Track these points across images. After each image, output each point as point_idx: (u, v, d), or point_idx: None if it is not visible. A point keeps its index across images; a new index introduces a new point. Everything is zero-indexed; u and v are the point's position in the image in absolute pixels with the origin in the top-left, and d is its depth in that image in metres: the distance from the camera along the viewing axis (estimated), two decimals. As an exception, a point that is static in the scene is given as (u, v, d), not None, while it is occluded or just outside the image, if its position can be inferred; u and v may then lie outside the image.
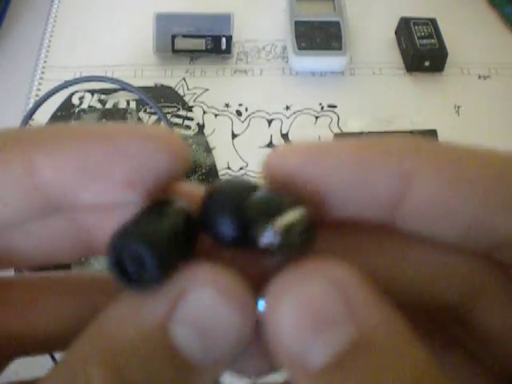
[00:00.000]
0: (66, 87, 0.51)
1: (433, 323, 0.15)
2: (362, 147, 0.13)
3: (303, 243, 0.13)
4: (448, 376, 0.12)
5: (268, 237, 0.13)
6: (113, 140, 0.13)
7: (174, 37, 0.64)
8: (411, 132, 0.54)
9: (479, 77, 0.65)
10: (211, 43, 0.64)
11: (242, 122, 0.61)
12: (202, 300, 0.12)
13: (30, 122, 0.57)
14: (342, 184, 0.13)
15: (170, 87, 0.64)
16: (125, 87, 0.51)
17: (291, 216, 0.13)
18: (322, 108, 0.62)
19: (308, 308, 0.12)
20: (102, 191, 0.13)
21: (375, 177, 0.13)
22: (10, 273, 0.16)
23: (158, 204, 0.13)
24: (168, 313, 0.12)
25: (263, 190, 0.14)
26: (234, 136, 0.60)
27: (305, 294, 0.12)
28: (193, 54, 0.66)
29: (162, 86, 0.64)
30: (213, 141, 0.60)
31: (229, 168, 0.58)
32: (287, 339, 0.12)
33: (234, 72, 0.65)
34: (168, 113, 0.61)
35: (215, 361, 0.12)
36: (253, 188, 0.14)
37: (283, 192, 0.13)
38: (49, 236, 0.15)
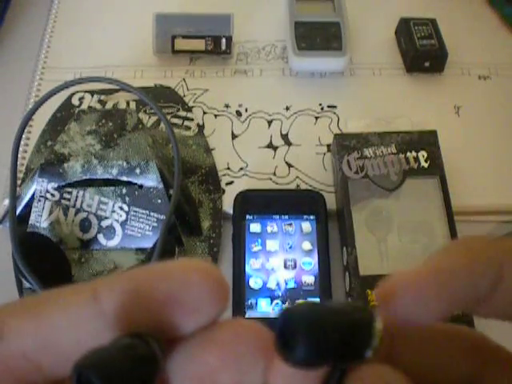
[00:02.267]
0: (66, 88, 0.51)
1: None
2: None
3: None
4: None
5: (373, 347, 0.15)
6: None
7: (173, 37, 0.64)
8: (411, 132, 0.54)
9: (479, 77, 0.65)
10: (211, 44, 0.64)
11: (242, 122, 0.61)
12: None
13: (30, 122, 0.57)
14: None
15: (170, 88, 0.64)
16: (125, 88, 0.51)
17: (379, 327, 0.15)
18: (322, 108, 0.62)
19: None
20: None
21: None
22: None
23: (127, 337, 0.14)
24: None
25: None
26: (233, 136, 0.60)
27: None
28: (193, 55, 0.66)
29: (162, 86, 0.64)
30: (213, 141, 0.59)
31: (229, 168, 0.58)
32: None
33: (234, 72, 0.65)
34: (168, 113, 0.61)
35: None
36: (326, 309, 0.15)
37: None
38: None
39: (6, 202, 0.53)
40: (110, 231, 0.51)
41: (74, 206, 0.51)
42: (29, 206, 0.51)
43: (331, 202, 0.54)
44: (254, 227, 0.51)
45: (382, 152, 0.53)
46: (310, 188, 0.56)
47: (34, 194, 0.51)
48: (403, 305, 0.16)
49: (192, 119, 0.61)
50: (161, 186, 0.50)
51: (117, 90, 0.61)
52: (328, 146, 0.59)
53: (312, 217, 0.52)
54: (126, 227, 0.51)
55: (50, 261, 0.49)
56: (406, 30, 0.65)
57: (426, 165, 0.53)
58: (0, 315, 0.15)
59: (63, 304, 0.14)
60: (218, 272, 0.16)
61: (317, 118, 0.61)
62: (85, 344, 0.14)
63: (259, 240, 0.51)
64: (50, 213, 0.51)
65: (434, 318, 0.16)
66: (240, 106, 0.62)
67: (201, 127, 0.60)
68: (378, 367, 0.15)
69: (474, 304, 0.17)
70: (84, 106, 0.61)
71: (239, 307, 0.48)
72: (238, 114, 0.62)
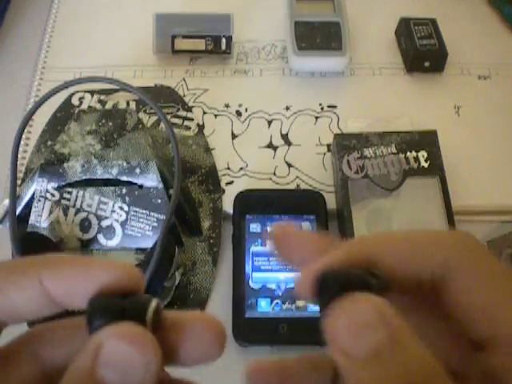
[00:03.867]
0: (66, 88, 0.51)
1: (418, 295, 0.22)
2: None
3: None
4: (420, 333, 0.18)
5: None
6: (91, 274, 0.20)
7: (173, 37, 0.64)
8: (411, 132, 0.54)
9: (479, 77, 0.65)
10: (211, 43, 0.64)
11: (242, 122, 0.61)
12: (116, 347, 0.17)
13: (30, 122, 0.57)
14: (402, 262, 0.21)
15: (170, 87, 0.64)
16: (124, 88, 0.51)
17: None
18: (322, 108, 0.62)
19: (356, 320, 0.18)
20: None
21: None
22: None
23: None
24: (93, 359, 0.17)
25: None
26: (233, 136, 0.60)
27: (355, 311, 0.18)
28: (193, 55, 0.66)
29: (162, 86, 0.64)
30: (213, 141, 0.59)
31: (229, 168, 0.58)
32: (342, 340, 0.18)
33: (234, 72, 0.65)
34: (168, 113, 0.61)
35: None
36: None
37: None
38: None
39: (6, 202, 0.53)
40: (109, 231, 0.51)
41: (74, 206, 0.51)
42: (29, 205, 0.51)
43: (331, 201, 0.54)
44: (254, 227, 0.52)
45: (382, 152, 0.53)
46: (309, 188, 0.56)
47: (33, 194, 0.51)
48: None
49: (192, 119, 0.61)
50: (161, 185, 0.50)
51: (117, 90, 0.61)
52: (328, 145, 0.59)
53: (312, 217, 0.52)
54: (126, 227, 0.51)
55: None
56: (406, 29, 0.65)
57: (426, 165, 0.53)
58: None
59: (18, 284, 0.19)
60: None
61: (317, 117, 0.61)
62: (33, 312, 0.20)
63: (259, 240, 0.51)
64: (50, 213, 0.51)
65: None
66: (240, 105, 0.62)
67: (201, 127, 0.60)
68: (373, 297, 0.18)
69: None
70: (84, 106, 0.61)
71: (239, 307, 0.48)
72: (238, 113, 0.62)
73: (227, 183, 0.57)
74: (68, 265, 0.20)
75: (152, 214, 0.51)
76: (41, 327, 0.21)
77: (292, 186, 0.57)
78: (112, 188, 0.51)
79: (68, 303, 0.20)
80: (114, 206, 0.51)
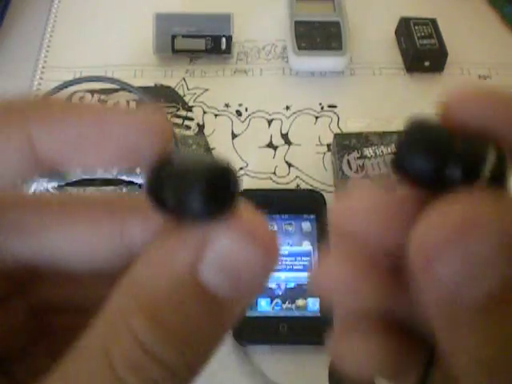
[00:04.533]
0: (66, 87, 0.51)
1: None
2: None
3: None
4: None
5: (489, 167, 0.14)
6: (105, 122, 0.14)
7: (173, 37, 0.64)
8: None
9: (479, 77, 0.65)
10: (211, 43, 0.64)
11: (242, 122, 0.61)
12: (229, 244, 0.14)
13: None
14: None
15: (170, 87, 0.64)
16: (125, 87, 0.51)
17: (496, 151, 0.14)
18: (322, 108, 0.62)
19: (469, 257, 0.12)
20: (91, 164, 0.15)
21: None
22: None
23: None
24: (197, 256, 0.14)
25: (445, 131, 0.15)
26: (233, 136, 0.60)
27: (467, 247, 0.12)
28: (193, 54, 0.66)
29: (162, 86, 0.64)
30: (213, 141, 0.59)
31: (229, 168, 0.57)
32: (451, 284, 0.13)
33: (234, 72, 0.65)
34: (168, 113, 0.61)
35: (242, 295, 0.14)
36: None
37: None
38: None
39: (6, 201, 0.53)
40: (110, 231, 0.51)
41: (74, 206, 0.51)
42: (29, 205, 0.51)
43: (331, 201, 0.54)
44: (254, 227, 0.51)
45: (382, 152, 0.53)
46: (309, 188, 0.56)
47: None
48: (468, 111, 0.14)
49: (192, 119, 0.61)
50: (161, 185, 0.50)
51: (117, 90, 0.61)
52: (328, 145, 0.59)
53: (312, 216, 0.52)
54: (126, 227, 0.51)
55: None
56: (405, 29, 0.65)
57: (426, 164, 0.52)
58: None
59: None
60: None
61: (317, 117, 0.61)
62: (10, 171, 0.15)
63: (259, 239, 0.51)
64: (50, 212, 0.51)
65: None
66: (240, 105, 0.62)
67: (201, 127, 0.60)
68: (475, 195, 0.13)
69: None
70: (84, 106, 0.61)
71: (239, 307, 0.48)
72: (238, 113, 0.62)
73: (227, 183, 0.57)
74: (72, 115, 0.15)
75: (152, 213, 0.51)
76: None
77: (292, 186, 0.57)
78: (112, 188, 0.51)
79: (61, 162, 0.15)
80: (114, 205, 0.51)
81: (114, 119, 0.14)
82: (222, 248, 0.14)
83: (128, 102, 0.62)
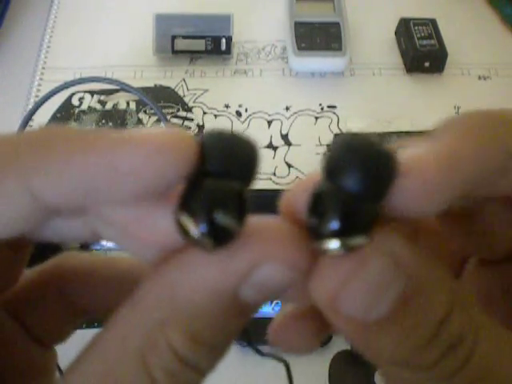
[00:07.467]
0: (66, 88, 0.51)
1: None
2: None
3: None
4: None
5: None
6: (115, 155, 0.13)
7: (173, 37, 0.64)
8: (411, 132, 0.54)
9: (479, 77, 0.65)
10: (211, 44, 0.64)
11: (242, 122, 0.61)
12: (273, 271, 0.14)
13: (30, 122, 0.57)
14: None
15: (170, 88, 0.64)
16: (124, 88, 0.51)
17: None
18: (322, 108, 0.62)
19: (369, 285, 0.14)
20: (106, 210, 0.14)
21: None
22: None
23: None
24: (242, 279, 0.14)
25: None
26: (233, 136, 0.60)
27: (366, 276, 0.14)
28: (193, 55, 0.66)
29: (162, 86, 0.64)
30: (213, 141, 0.59)
31: (229, 169, 0.58)
32: (351, 309, 0.14)
33: (234, 73, 0.65)
34: (168, 113, 0.61)
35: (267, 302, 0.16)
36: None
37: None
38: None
39: (6, 202, 0.53)
40: (109, 231, 0.51)
41: (74, 206, 0.51)
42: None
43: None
44: (254, 227, 0.51)
45: (381, 152, 0.53)
46: (309, 188, 0.56)
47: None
48: (406, 193, 0.14)
49: (192, 119, 0.61)
50: (161, 186, 0.50)
51: (117, 90, 0.61)
52: (328, 146, 0.59)
53: (312, 217, 0.52)
54: (126, 227, 0.51)
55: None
56: (405, 30, 0.65)
57: (425, 165, 0.52)
58: None
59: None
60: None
61: (317, 118, 0.61)
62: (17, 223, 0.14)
63: (259, 240, 0.51)
64: (50, 213, 0.51)
65: (437, 208, 0.14)
66: (240, 106, 0.62)
67: (201, 127, 0.60)
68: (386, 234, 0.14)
69: (478, 191, 0.15)
70: (84, 107, 0.61)
71: (239, 307, 0.48)
72: (238, 114, 0.62)
73: (227, 183, 0.57)
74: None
75: (152, 214, 0.51)
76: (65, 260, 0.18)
77: (292, 187, 0.57)
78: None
79: (65, 203, 0.14)
80: (113, 206, 0.51)
81: (127, 149, 0.13)
82: (265, 272, 0.14)
83: (128, 102, 0.62)
